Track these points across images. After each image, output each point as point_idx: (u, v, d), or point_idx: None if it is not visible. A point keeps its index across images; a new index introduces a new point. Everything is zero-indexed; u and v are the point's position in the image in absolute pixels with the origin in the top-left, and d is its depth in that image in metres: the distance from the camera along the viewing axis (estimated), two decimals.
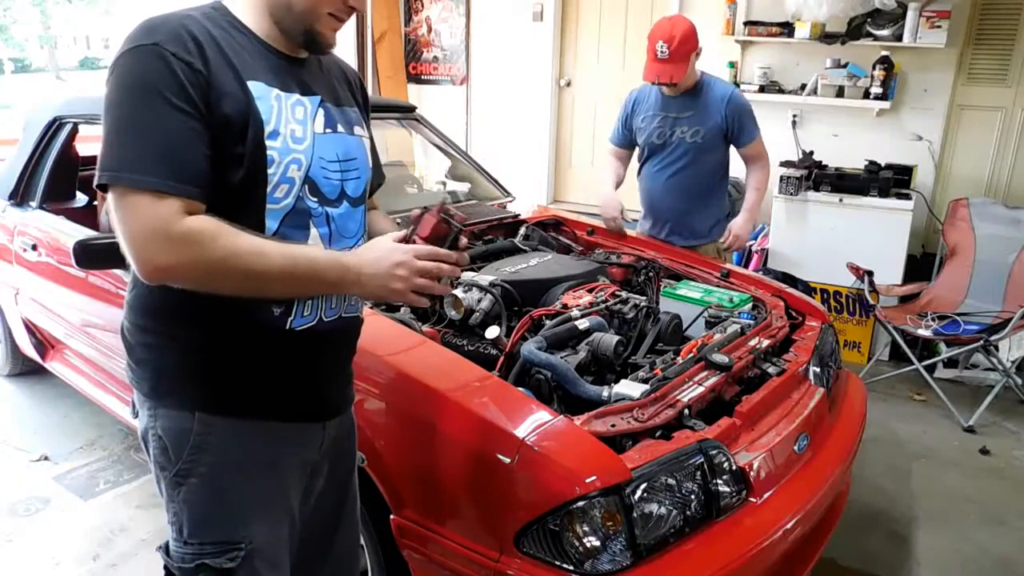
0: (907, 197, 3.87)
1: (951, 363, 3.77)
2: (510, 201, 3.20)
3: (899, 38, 3.90)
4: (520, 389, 1.72)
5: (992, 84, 4.06)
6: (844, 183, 3.93)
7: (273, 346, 1.19)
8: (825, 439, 1.96)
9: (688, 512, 1.55)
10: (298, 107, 1.18)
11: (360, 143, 1.31)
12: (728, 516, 1.60)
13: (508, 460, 1.47)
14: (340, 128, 1.26)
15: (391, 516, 1.65)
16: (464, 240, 1.20)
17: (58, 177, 2.99)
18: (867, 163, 4.00)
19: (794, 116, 4.39)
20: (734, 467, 1.63)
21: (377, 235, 1.37)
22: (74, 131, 3.00)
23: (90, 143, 3.00)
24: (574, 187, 5.43)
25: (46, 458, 2.92)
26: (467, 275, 2.19)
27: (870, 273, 3.60)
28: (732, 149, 2.95)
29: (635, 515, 1.46)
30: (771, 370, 1.99)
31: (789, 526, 1.65)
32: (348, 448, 1.46)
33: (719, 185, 2.96)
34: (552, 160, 5.42)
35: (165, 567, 1.24)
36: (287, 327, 1.19)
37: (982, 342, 3.32)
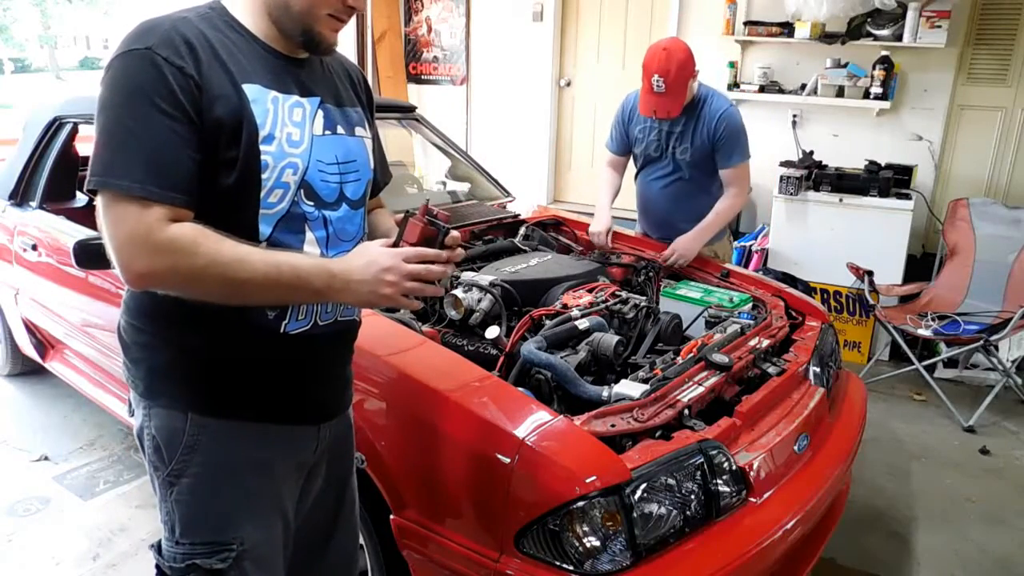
0: (907, 197, 3.87)
1: (951, 363, 3.78)
2: (510, 201, 3.20)
3: (899, 38, 3.90)
4: (520, 389, 1.72)
5: (992, 84, 4.06)
6: (844, 183, 3.93)
7: (267, 350, 1.19)
8: (825, 439, 1.96)
9: (688, 512, 1.55)
10: (296, 109, 1.17)
11: (361, 144, 1.29)
12: (728, 516, 1.60)
13: (508, 460, 1.47)
14: (340, 129, 1.24)
15: (391, 516, 1.65)
16: (455, 234, 1.18)
17: (58, 177, 2.99)
18: (867, 163, 4.00)
19: (794, 116, 4.39)
20: (734, 467, 1.63)
21: (382, 235, 1.37)
22: (74, 131, 3.00)
23: (90, 143, 2.99)
24: (574, 187, 5.43)
25: (46, 458, 2.92)
26: (467, 275, 2.19)
27: (870, 273, 3.60)
28: None
29: (635, 515, 1.46)
30: (771, 370, 1.99)
31: (789, 526, 1.64)
32: (346, 449, 1.45)
33: (715, 196, 2.88)
34: (552, 160, 5.42)
35: (157, 566, 1.24)
36: (281, 331, 1.19)
37: (982, 342, 3.32)
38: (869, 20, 4.00)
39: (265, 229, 1.14)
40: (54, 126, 3.01)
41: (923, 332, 3.51)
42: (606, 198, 2.92)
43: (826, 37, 4.11)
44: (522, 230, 2.82)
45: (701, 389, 1.76)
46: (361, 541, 1.78)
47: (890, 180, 3.87)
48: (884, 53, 3.99)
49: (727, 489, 1.61)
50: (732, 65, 4.42)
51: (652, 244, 2.85)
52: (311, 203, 1.18)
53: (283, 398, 1.24)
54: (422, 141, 3.85)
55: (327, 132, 1.22)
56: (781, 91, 4.31)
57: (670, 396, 1.70)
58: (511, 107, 5.38)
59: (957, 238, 3.92)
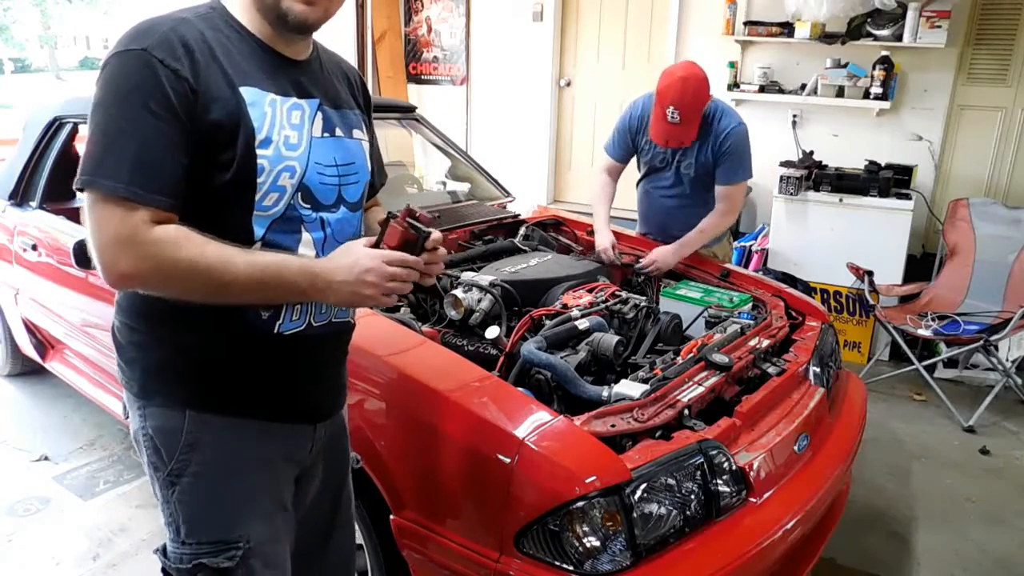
0: (907, 197, 3.87)
1: (951, 363, 3.77)
2: (510, 201, 3.20)
3: (899, 38, 3.90)
4: (520, 389, 1.72)
5: (992, 84, 4.05)
6: (844, 183, 3.93)
7: (261, 349, 1.19)
8: (825, 439, 1.96)
9: (688, 512, 1.55)
10: (295, 111, 1.17)
11: (359, 147, 1.29)
12: (728, 516, 1.60)
13: (508, 460, 1.47)
14: (339, 132, 1.24)
15: (391, 516, 1.65)
16: (436, 236, 1.17)
17: (58, 177, 2.99)
18: (867, 163, 4.00)
19: (794, 116, 4.39)
20: (734, 467, 1.63)
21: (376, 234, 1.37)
22: (74, 131, 3.00)
23: None
24: (574, 187, 5.43)
25: (46, 458, 2.92)
26: (467, 275, 2.19)
27: (870, 273, 3.60)
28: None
29: (635, 515, 1.46)
30: (771, 370, 1.99)
31: (789, 526, 1.65)
32: (342, 448, 1.45)
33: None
34: (552, 160, 5.42)
35: (163, 569, 1.23)
36: (275, 331, 1.18)
37: (982, 342, 3.32)
38: (869, 20, 4.00)
39: (259, 230, 1.14)
40: (54, 126, 3.01)
41: (923, 332, 3.51)
42: (603, 213, 2.85)
43: (826, 37, 4.11)
44: (522, 230, 2.82)
45: (701, 389, 1.76)
46: (361, 541, 1.78)
47: (890, 180, 3.87)
48: (884, 53, 3.99)
49: (727, 489, 1.61)
50: (732, 65, 4.41)
51: (652, 245, 2.85)
52: (308, 205, 1.18)
53: (278, 397, 1.24)
54: (422, 141, 3.85)
55: (326, 134, 1.21)
56: (781, 91, 4.31)
57: (670, 396, 1.70)
58: (511, 107, 5.38)
59: (957, 238, 3.92)
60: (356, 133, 1.29)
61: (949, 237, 3.95)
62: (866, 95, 4.03)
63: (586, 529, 1.44)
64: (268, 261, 1.08)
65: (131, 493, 2.69)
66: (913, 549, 2.49)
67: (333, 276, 1.10)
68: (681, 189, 2.81)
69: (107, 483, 2.76)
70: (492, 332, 1.99)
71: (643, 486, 1.48)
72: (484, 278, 2.15)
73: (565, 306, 2.11)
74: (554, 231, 2.97)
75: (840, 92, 4.10)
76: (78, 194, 1.07)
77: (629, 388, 1.72)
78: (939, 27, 3.78)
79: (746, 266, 4.17)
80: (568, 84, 5.25)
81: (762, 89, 4.30)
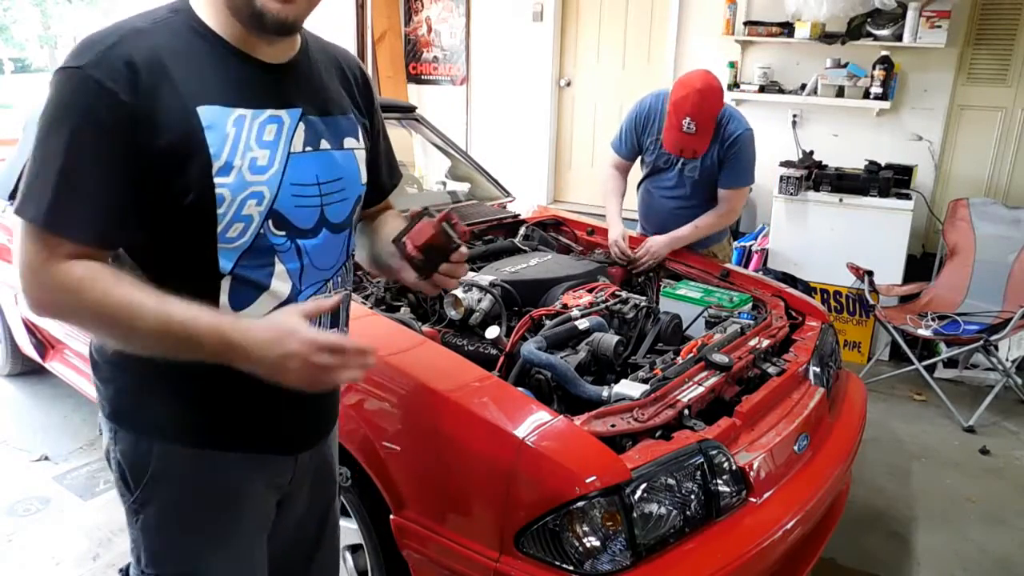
0: (907, 197, 3.87)
1: (951, 363, 3.77)
2: (510, 201, 3.20)
3: (899, 38, 3.90)
4: (520, 389, 1.72)
5: (992, 84, 4.05)
6: (844, 183, 3.93)
7: (234, 382, 1.06)
8: (825, 439, 1.95)
9: (688, 512, 1.55)
10: (269, 126, 1.05)
11: (350, 158, 1.18)
12: (728, 516, 1.60)
13: (508, 460, 1.47)
14: (325, 144, 1.13)
15: (391, 516, 1.65)
16: (463, 251, 1.09)
17: None
18: (867, 163, 4.00)
19: (794, 116, 4.39)
20: (734, 467, 1.63)
21: (386, 236, 1.28)
22: None
23: None
24: (574, 187, 5.43)
25: (46, 458, 2.92)
26: (467, 275, 2.19)
27: (870, 273, 3.60)
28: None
29: (635, 515, 1.46)
30: (771, 370, 1.99)
31: (789, 526, 1.65)
32: (328, 474, 1.38)
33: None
34: (552, 160, 5.42)
35: None
36: None
37: (982, 342, 3.32)
38: (869, 20, 4.00)
39: (226, 263, 1.05)
40: None
41: (923, 332, 3.51)
42: (615, 206, 2.87)
43: (826, 37, 4.11)
44: (522, 230, 2.82)
45: (701, 389, 1.76)
46: (361, 541, 1.78)
47: (890, 180, 3.87)
48: (884, 53, 3.99)
49: (727, 489, 1.61)
50: (732, 65, 4.41)
51: None
52: (282, 233, 1.08)
53: (255, 428, 1.17)
54: (422, 141, 3.85)
55: (308, 149, 1.10)
56: (781, 91, 4.31)
57: (670, 396, 1.70)
58: (511, 107, 5.38)
59: (957, 238, 3.92)
60: (348, 142, 1.18)
61: (949, 237, 3.95)
62: (866, 95, 4.03)
63: (586, 529, 1.44)
64: (180, 315, 0.97)
65: None
66: (913, 549, 2.49)
67: (250, 350, 0.98)
68: (683, 191, 2.80)
69: (107, 483, 2.75)
70: (492, 332, 1.99)
71: (643, 486, 1.48)
72: (484, 278, 2.15)
73: (565, 306, 2.11)
74: (554, 231, 2.97)
75: (840, 92, 4.10)
76: None
77: (629, 388, 1.72)
78: (939, 27, 3.78)
79: (746, 266, 4.17)
80: (568, 84, 5.25)
81: (762, 89, 4.30)
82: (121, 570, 1.25)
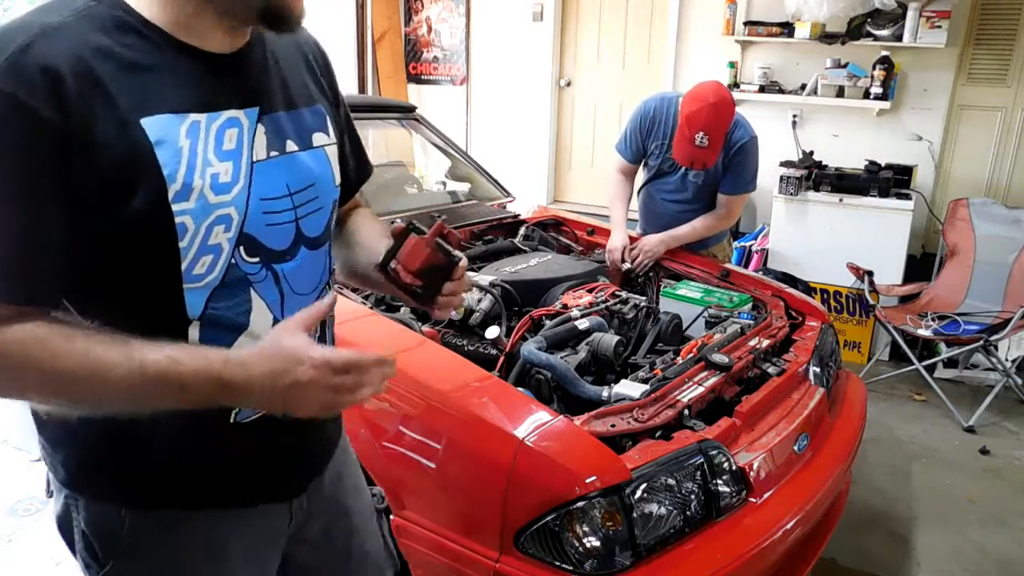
0: (907, 197, 3.87)
1: (951, 363, 3.77)
2: (510, 201, 3.20)
3: (899, 38, 3.90)
4: (520, 389, 1.72)
5: (992, 84, 4.05)
6: (844, 183, 3.93)
7: (213, 439, 0.95)
8: (825, 439, 1.96)
9: (688, 512, 1.55)
10: (229, 131, 0.87)
11: (320, 158, 1.00)
12: (728, 516, 1.60)
13: (508, 460, 1.47)
14: (291, 146, 0.95)
15: (391, 516, 1.65)
16: (464, 263, 0.96)
17: None
18: (867, 163, 4.00)
19: (794, 116, 4.39)
20: (734, 467, 1.63)
21: (364, 243, 1.12)
22: None
23: None
24: (574, 187, 5.43)
25: None
26: (467, 275, 2.19)
27: (870, 273, 3.60)
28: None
29: (635, 515, 1.46)
30: (771, 370, 1.99)
31: (789, 526, 1.65)
32: (347, 506, 1.19)
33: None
34: (552, 160, 5.42)
35: None
36: (231, 420, 0.95)
37: (982, 342, 3.31)
38: (869, 20, 3.99)
39: (195, 306, 0.87)
40: None
41: (923, 332, 3.51)
42: (621, 212, 2.85)
43: (826, 37, 4.11)
44: (522, 230, 2.82)
45: (701, 389, 1.76)
46: None
47: (890, 180, 3.87)
48: (884, 53, 3.99)
49: (727, 489, 1.61)
50: (732, 65, 4.41)
51: None
52: (255, 259, 0.90)
53: (237, 484, 1.00)
54: (422, 141, 3.84)
55: (273, 154, 0.92)
56: (781, 91, 4.31)
57: (670, 396, 1.70)
58: (511, 107, 5.38)
59: (957, 238, 3.92)
60: (317, 139, 0.99)
61: (949, 237, 3.95)
62: (866, 95, 4.03)
63: (586, 529, 1.44)
64: (151, 363, 0.78)
65: None
66: (913, 549, 2.49)
67: (252, 388, 0.82)
68: (686, 195, 2.81)
69: None
70: (492, 332, 1.99)
71: (643, 486, 1.48)
72: (484, 278, 2.15)
73: (565, 306, 2.11)
74: (554, 231, 2.97)
75: (840, 92, 4.10)
76: None
77: (629, 388, 1.72)
78: (939, 27, 3.78)
79: (746, 266, 4.16)
80: (568, 84, 5.25)
81: (762, 89, 4.30)
82: None
